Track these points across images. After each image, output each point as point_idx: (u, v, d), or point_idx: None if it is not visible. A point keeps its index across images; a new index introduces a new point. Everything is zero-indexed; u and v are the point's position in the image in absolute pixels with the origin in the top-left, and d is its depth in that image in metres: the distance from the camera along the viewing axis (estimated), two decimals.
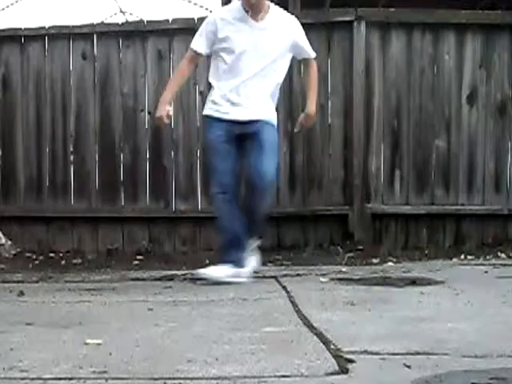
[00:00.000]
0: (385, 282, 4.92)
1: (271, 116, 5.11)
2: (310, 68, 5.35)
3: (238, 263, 5.02)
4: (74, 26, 6.88)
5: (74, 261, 6.43)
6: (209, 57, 5.25)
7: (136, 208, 6.81)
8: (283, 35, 5.08)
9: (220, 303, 4.19)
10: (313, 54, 5.30)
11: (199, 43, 5.12)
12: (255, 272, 5.51)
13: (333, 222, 6.71)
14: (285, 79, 6.62)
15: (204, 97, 6.74)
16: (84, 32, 6.85)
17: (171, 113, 5.26)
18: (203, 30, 5.12)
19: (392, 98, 6.71)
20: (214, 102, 5.10)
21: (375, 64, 6.69)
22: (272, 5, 5.12)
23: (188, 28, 6.65)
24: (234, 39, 5.00)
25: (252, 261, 5.15)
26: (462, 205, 6.68)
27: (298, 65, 6.69)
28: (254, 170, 4.97)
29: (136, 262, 6.31)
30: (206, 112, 5.19)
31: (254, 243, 5.17)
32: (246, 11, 5.03)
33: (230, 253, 5.03)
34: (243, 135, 5.01)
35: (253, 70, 5.01)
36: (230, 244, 5.05)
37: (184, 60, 5.28)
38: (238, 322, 3.59)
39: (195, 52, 5.16)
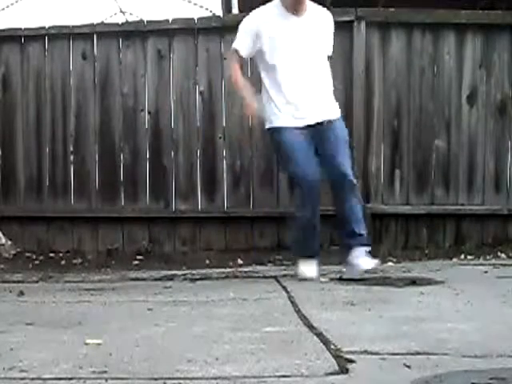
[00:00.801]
0: (385, 282, 4.92)
1: (335, 109, 5.11)
2: None
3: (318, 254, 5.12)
4: (74, 26, 6.88)
5: (74, 261, 6.43)
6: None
7: (136, 208, 6.81)
8: (321, 25, 5.12)
9: (220, 303, 4.19)
10: (331, 52, 5.31)
11: (241, 44, 5.08)
12: (255, 272, 5.52)
13: (333, 222, 6.69)
14: None
15: (204, 97, 6.76)
16: (84, 32, 6.85)
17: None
18: (244, 29, 5.08)
19: (392, 98, 6.71)
20: (278, 112, 5.02)
21: (375, 64, 6.69)
22: (309, 1, 5.14)
23: (188, 28, 6.67)
24: (279, 37, 4.98)
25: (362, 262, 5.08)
26: (462, 205, 6.67)
27: None
28: (337, 170, 5.00)
29: (136, 262, 6.31)
30: (274, 124, 5.07)
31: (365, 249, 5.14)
32: (288, 10, 5.02)
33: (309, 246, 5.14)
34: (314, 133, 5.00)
35: (305, 67, 4.99)
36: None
37: (232, 64, 5.20)
38: (238, 322, 3.59)
39: (237, 53, 5.11)
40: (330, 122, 5.03)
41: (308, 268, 5.08)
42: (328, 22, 5.20)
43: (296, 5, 5.02)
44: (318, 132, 5.01)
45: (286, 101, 5.00)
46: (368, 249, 5.14)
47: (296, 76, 4.98)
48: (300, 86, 4.99)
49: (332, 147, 5.00)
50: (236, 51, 5.12)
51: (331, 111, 5.09)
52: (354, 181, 5.14)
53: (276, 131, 5.08)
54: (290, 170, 5.16)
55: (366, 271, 4.99)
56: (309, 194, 5.01)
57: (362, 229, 5.12)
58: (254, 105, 5.07)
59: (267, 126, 5.14)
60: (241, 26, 5.14)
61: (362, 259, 5.04)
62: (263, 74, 5.10)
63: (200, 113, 6.78)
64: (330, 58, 5.33)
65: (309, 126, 5.01)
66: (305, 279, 4.99)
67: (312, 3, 5.19)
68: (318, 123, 5.01)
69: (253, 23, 5.08)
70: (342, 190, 5.07)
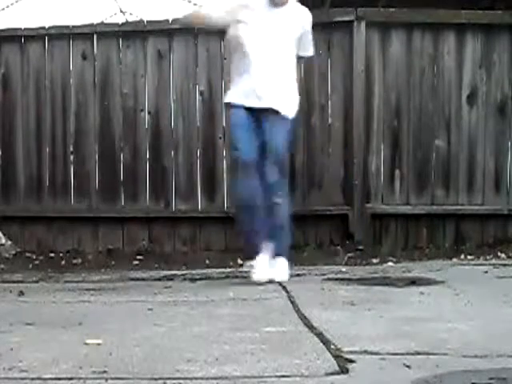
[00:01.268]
0: (385, 282, 4.92)
1: (288, 108, 5.10)
2: (301, 64, 5.41)
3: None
4: (74, 26, 6.88)
5: (74, 261, 6.43)
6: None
7: (136, 208, 6.81)
8: (297, 22, 5.13)
9: (220, 303, 4.19)
10: (312, 53, 5.33)
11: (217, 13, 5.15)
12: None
13: (333, 222, 6.71)
14: None
15: (204, 97, 6.76)
16: (84, 32, 6.85)
17: None
18: (230, 5, 5.12)
19: (392, 98, 6.71)
20: (234, 89, 5.10)
21: (375, 64, 6.69)
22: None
23: (188, 28, 6.66)
24: (254, 24, 5.01)
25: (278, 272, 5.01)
26: (462, 205, 6.67)
27: (297, 66, 6.71)
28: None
29: (136, 262, 6.31)
30: (228, 99, 5.17)
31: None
32: (269, 1, 5.06)
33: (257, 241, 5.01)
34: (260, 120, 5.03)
35: (271, 55, 5.02)
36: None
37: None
38: (238, 322, 3.59)
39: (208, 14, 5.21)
40: (277, 113, 5.01)
41: (257, 269, 4.93)
42: (306, 22, 5.20)
43: None
44: (262, 118, 5.01)
45: (247, 83, 5.02)
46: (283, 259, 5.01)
47: (262, 63, 5.01)
48: (263, 74, 5.01)
49: (268, 135, 4.98)
50: (208, 13, 5.21)
51: (282, 105, 5.06)
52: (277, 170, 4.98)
53: (229, 106, 5.17)
54: (231, 148, 5.28)
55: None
56: (245, 174, 4.96)
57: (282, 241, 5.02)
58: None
59: (224, 101, 5.27)
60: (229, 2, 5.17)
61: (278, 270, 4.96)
62: (232, 52, 5.18)
63: (200, 113, 6.78)
64: (312, 57, 5.41)
65: (257, 111, 5.02)
66: (257, 282, 4.86)
67: (295, 1, 5.20)
68: (265, 109, 5.01)
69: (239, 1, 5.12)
70: (264, 166, 4.98)
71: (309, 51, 5.30)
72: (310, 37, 5.24)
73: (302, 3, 7.90)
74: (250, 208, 4.99)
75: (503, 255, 6.19)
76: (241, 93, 5.06)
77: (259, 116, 5.01)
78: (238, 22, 5.04)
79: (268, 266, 4.94)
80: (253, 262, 4.96)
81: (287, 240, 5.13)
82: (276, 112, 5.00)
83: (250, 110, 5.02)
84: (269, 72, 5.03)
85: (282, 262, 5.00)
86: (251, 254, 5.00)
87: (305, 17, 5.21)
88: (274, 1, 5.07)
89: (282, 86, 5.09)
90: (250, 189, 4.98)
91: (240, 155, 5.00)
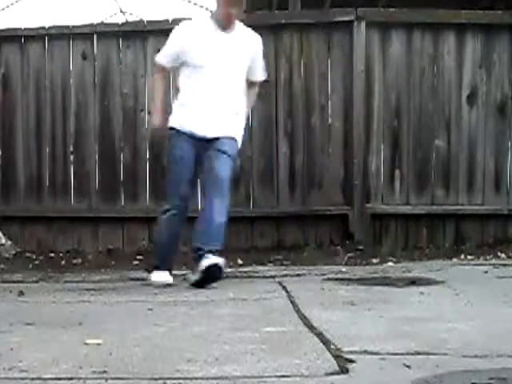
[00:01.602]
0: (385, 282, 4.92)
1: (236, 132, 5.08)
2: (255, 89, 5.29)
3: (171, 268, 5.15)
4: (74, 26, 6.88)
5: (74, 261, 6.43)
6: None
7: (136, 208, 6.81)
8: (247, 46, 5.08)
9: (220, 303, 4.20)
10: (263, 77, 5.29)
11: (164, 56, 5.13)
12: (255, 272, 5.52)
13: (333, 222, 6.71)
14: (284, 81, 6.70)
15: None
16: (84, 32, 6.85)
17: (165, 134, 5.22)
18: (170, 43, 5.11)
19: (392, 98, 6.71)
20: (181, 115, 5.06)
21: (375, 64, 6.69)
22: (240, 23, 5.12)
23: None
24: (202, 52, 4.98)
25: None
26: (462, 205, 6.67)
27: (297, 67, 6.72)
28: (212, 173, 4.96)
29: (136, 262, 6.31)
30: (174, 124, 5.10)
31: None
32: (217, 24, 5.00)
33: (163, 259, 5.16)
34: (206, 148, 4.99)
35: (222, 81, 4.97)
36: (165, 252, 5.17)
37: (156, 76, 5.29)
38: (237, 322, 3.59)
39: (161, 66, 5.17)
40: (224, 137, 4.99)
41: (161, 275, 5.08)
42: (256, 45, 5.14)
43: (227, 17, 4.98)
44: (208, 145, 4.98)
45: (196, 109, 4.99)
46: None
47: (212, 89, 4.97)
48: (213, 101, 4.97)
49: (213, 157, 4.95)
50: (160, 64, 5.17)
51: (231, 130, 5.03)
52: (225, 184, 4.95)
53: (174, 133, 5.09)
54: (168, 182, 5.27)
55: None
56: (174, 216, 5.08)
57: (214, 243, 4.95)
58: (156, 126, 5.20)
59: (169, 125, 5.15)
60: (169, 39, 5.14)
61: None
62: (182, 79, 5.10)
63: None
64: (263, 82, 5.35)
65: (202, 140, 4.99)
66: (161, 285, 4.95)
67: (243, 26, 5.15)
68: (212, 138, 4.98)
69: (179, 36, 5.08)
70: (210, 190, 5.00)
71: (260, 76, 5.25)
72: (261, 61, 5.21)
73: (303, 3, 7.95)
74: (169, 246, 5.17)
75: (503, 255, 6.19)
76: (191, 119, 5.01)
77: (206, 144, 4.98)
78: (187, 53, 4.99)
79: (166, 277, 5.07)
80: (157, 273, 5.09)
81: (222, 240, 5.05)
82: (226, 137, 4.99)
83: (195, 137, 5.00)
84: (221, 98, 4.97)
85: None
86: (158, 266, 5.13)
87: (255, 41, 5.14)
88: (222, 25, 5.00)
89: (232, 111, 5.04)
90: (172, 230, 5.13)
91: (172, 201, 5.09)
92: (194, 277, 4.88)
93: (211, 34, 5.01)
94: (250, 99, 5.28)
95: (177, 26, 5.18)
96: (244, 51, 5.06)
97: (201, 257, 4.82)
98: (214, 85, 4.96)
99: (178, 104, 5.12)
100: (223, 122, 4.99)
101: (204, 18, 5.23)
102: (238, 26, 5.09)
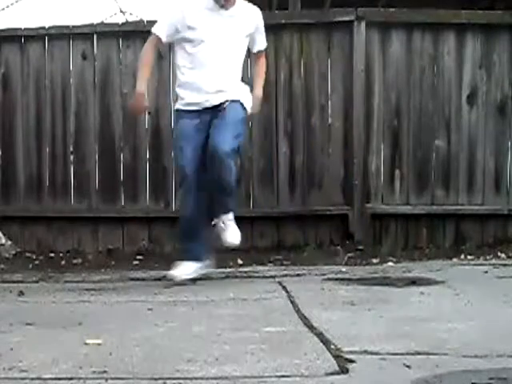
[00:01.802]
0: (385, 282, 4.92)
1: (240, 95, 5.09)
2: (261, 58, 5.37)
3: (199, 257, 5.09)
4: (74, 26, 6.87)
5: (74, 261, 6.43)
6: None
7: (136, 208, 6.81)
8: (248, 21, 5.12)
9: (220, 303, 4.20)
10: (265, 45, 5.33)
11: (162, 29, 5.10)
12: (255, 272, 5.52)
13: (333, 222, 6.71)
14: (284, 81, 6.69)
15: None
16: (84, 32, 6.85)
17: (147, 104, 5.24)
18: (168, 16, 5.10)
19: (392, 98, 6.71)
20: (185, 94, 5.08)
21: (375, 64, 6.69)
22: None
23: None
24: (202, 28, 4.99)
25: (229, 235, 5.12)
26: (462, 205, 6.67)
27: (297, 66, 6.72)
28: (213, 143, 4.94)
29: (136, 262, 6.31)
30: (176, 106, 5.17)
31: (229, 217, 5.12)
32: (216, 2, 5.03)
33: (190, 248, 5.10)
34: (212, 117, 5.03)
35: (221, 57, 5.02)
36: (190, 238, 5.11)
37: (147, 45, 5.23)
38: (237, 322, 3.59)
39: (158, 37, 5.13)
40: (227, 101, 5.02)
41: (179, 269, 5.04)
42: (256, 18, 5.19)
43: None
44: (213, 113, 5.01)
45: (199, 84, 5.01)
46: (231, 216, 5.10)
47: (213, 65, 5.00)
48: (214, 78, 5.00)
49: (218, 125, 4.97)
50: (156, 36, 5.13)
51: (233, 94, 5.05)
52: (228, 156, 4.91)
53: (178, 114, 5.16)
54: (178, 162, 5.25)
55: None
56: (187, 189, 5.05)
57: (229, 203, 5.07)
58: (142, 98, 5.13)
59: (175, 107, 5.23)
60: (166, 13, 5.15)
61: (230, 232, 5.09)
62: (180, 59, 5.11)
63: None
64: (265, 50, 5.38)
65: (207, 109, 5.02)
66: (171, 279, 4.97)
67: (243, 1, 5.19)
68: (216, 105, 5.02)
69: (178, 11, 5.08)
70: (212, 163, 4.94)
71: (262, 44, 5.30)
72: (262, 34, 5.26)
73: (303, 3, 7.95)
74: (192, 222, 5.08)
75: (503, 255, 6.19)
76: (195, 94, 5.02)
77: (212, 114, 5.00)
78: (187, 29, 5.00)
79: (193, 271, 5.05)
80: (180, 265, 5.06)
81: (233, 204, 5.17)
82: (232, 100, 5.00)
83: (200, 111, 5.03)
84: (222, 72, 5.01)
85: (233, 225, 5.11)
86: (183, 257, 5.11)
87: (255, 15, 5.19)
88: (222, 4, 5.02)
89: (234, 83, 5.09)
90: (191, 204, 5.05)
91: (184, 171, 5.05)
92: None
93: (211, 10, 5.02)
94: (261, 71, 5.33)
95: (177, 2, 5.16)
96: (244, 26, 5.10)
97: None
98: (215, 60, 4.99)
99: (180, 85, 5.12)
100: (227, 90, 5.02)
101: None
102: (238, 1, 5.12)
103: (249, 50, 5.31)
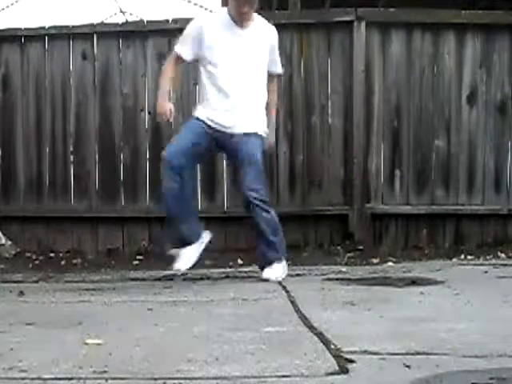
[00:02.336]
0: (385, 282, 4.92)
1: (258, 127, 5.11)
2: (274, 85, 5.33)
3: (195, 238, 5.13)
4: (74, 26, 6.88)
5: (74, 261, 6.43)
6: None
7: (136, 208, 6.81)
8: (264, 40, 5.12)
9: (220, 303, 4.19)
10: (280, 70, 5.33)
11: (184, 48, 5.10)
12: (255, 272, 5.51)
13: (333, 222, 6.71)
14: (285, 81, 6.69)
15: None
16: (84, 32, 6.86)
17: (173, 109, 5.21)
18: (189, 34, 5.09)
19: (392, 98, 6.71)
20: (208, 111, 5.07)
21: (375, 64, 6.69)
22: (255, 14, 5.14)
23: None
24: (220, 48, 5.00)
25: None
26: (462, 205, 6.68)
27: (297, 66, 6.72)
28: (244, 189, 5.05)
29: (136, 262, 6.31)
30: (198, 115, 5.14)
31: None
32: (233, 20, 5.03)
33: (183, 233, 5.14)
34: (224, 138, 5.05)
35: (243, 77, 5.01)
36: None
37: (169, 64, 5.23)
38: (237, 322, 3.59)
39: (179, 56, 5.14)
40: (244, 134, 5.04)
41: (181, 260, 5.08)
42: (272, 38, 5.18)
43: (240, 16, 5.01)
44: (228, 140, 5.04)
45: (219, 106, 5.02)
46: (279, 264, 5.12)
47: (232, 86, 5.00)
48: (234, 97, 5.00)
49: (241, 163, 5.04)
50: (178, 55, 5.14)
51: (251, 125, 5.07)
52: (260, 200, 5.04)
53: (195, 120, 5.13)
54: (169, 147, 5.17)
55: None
56: (171, 177, 5.00)
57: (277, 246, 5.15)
58: (164, 102, 5.12)
59: (194, 114, 5.18)
60: (185, 30, 5.14)
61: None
62: (204, 76, 5.11)
63: None
64: (279, 76, 5.39)
65: (227, 134, 5.04)
66: (176, 273, 5.07)
67: (259, 17, 5.18)
68: (232, 134, 5.04)
69: (196, 29, 5.08)
70: (250, 212, 5.08)
71: (277, 68, 5.28)
72: (276, 54, 5.23)
73: (303, 3, 7.95)
74: (179, 206, 5.05)
75: (503, 255, 6.19)
76: (217, 115, 5.03)
77: (230, 139, 5.03)
78: (205, 48, 5.00)
79: (193, 256, 5.09)
80: (178, 252, 5.09)
81: (281, 242, 5.20)
82: (249, 135, 5.05)
83: (214, 130, 5.04)
84: (243, 94, 5.01)
85: (279, 266, 5.12)
86: (178, 244, 5.13)
87: (271, 34, 5.18)
88: (240, 22, 5.02)
89: (254, 106, 5.08)
90: (176, 190, 5.02)
91: (172, 159, 5.01)
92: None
93: (229, 30, 5.02)
94: (274, 96, 5.31)
95: (195, 19, 5.17)
96: (261, 46, 5.09)
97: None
98: (236, 81, 5.00)
99: (205, 102, 5.11)
100: (246, 117, 5.03)
101: (221, 13, 5.18)
102: (255, 18, 5.11)
103: None
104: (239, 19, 5.02)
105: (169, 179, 5.03)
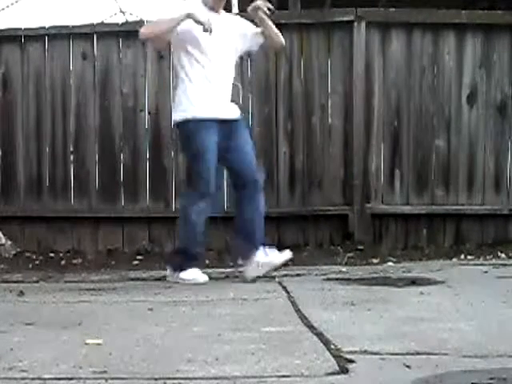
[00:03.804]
0: (385, 282, 4.92)
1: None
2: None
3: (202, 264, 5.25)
4: (74, 26, 6.88)
5: (74, 261, 6.43)
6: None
7: (136, 208, 6.81)
8: (237, 26, 5.21)
9: (220, 303, 4.20)
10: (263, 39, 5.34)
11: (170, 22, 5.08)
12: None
13: (333, 222, 6.71)
14: (284, 81, 6.70)
15: None
16: (84, 32, 6.85)
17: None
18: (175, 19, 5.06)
19: (392, 98, 6.71)
20: (199, 104, 5.06)
21: (375, 64, 6.69)
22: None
23: None
24: (203, 36, 5.00)
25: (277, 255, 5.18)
26: (462, 205, 6.67)
27: (297, 66, 6.72)
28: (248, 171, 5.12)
29: (136, 262, 6.31)
30: (191, 114, 5.05)
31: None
32: (210, 8, 5.10)
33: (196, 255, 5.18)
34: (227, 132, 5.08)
35: (225, 62, 5.08)
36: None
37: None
38: (238, 322, 3.59)
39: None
40: (240, 120, 5.18)
41: (189, 274, 5.10)
42: (241, 22, 5.28)
43: (216, 3, 5.10)
44: (230, 127, 5.08)
45: (208, 93, 5.03)
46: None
47: (220, 71, 5.06)
48: (220, 82, 5.07)
49: (243, 146, 5.13)
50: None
51: (237, 110, 5.18)
52: (262, 182, 5.21)
53: (192, 122, 5.04)
54: (200, 174, 5.09)
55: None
56: (206, 199, 5.08)
57: (262, 237, 5.19)
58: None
59: (180, 118, 5.09)
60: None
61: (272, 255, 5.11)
62: (185, 66, 5.08)
63: None
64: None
65: (223, 121, 5.06)
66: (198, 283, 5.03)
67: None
68: (231, 119, 5.10)
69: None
70: (250, 191, 5.12)
71: (261, 38, 5.28)
72: (253, 28, 5.24)
73: (303, 3, 7.95)
74: (200, 228, 5.15)
75: (503, 255, 6.19)
76: (209, 105, 5.04)
77: (227, 128, 5.06)
78: (194, 35, 5.00)
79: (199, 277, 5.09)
80: (190, 272, 5.10)
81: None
82: (238, 120, 5.16)
83: (216, 122, 5.04)
84: (226, 80, 5.11)
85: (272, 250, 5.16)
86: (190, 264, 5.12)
87: (239, 19, 5.36)
88: (216, 9, 5.09)
89: (229, 92, 5.17)
90: (205, 213, 5.13)
91: (208, 189, 5.04)
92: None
93: (210, 18, 5.03)
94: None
95: (176, 7, 5.22)
96: (236, 30, 5.16)
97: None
98: (221, 66, 5.05)
99: (192, 94, 5.05)
100: (229, 102, 5.14)
101: (196, 4, 5.19)
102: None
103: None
104: (216, 4, 5.09)
105: (205, 203, 5.10)
